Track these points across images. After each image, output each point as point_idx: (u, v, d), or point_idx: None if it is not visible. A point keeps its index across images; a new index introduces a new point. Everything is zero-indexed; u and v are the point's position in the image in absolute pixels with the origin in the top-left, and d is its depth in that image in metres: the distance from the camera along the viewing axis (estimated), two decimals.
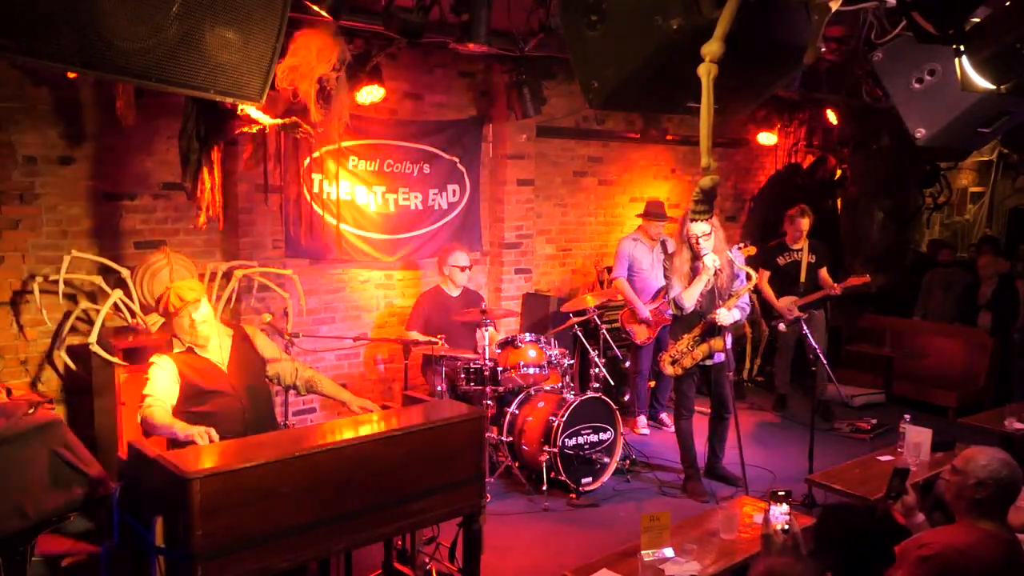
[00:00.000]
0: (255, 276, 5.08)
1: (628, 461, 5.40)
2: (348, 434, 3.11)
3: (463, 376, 5.15)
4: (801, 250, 6.55)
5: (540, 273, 7.03)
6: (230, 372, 3.51)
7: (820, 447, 5.08)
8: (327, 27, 3.93)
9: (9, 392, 4.01)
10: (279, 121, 4.23)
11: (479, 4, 4.09)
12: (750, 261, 5.19)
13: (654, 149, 7.69)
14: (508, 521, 4.67)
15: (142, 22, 2.30)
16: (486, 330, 5.21)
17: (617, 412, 5.21)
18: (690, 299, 4.80)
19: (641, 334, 6.08)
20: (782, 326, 5.93)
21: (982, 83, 2.44)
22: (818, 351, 5.21)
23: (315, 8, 3.65)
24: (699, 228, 4.73)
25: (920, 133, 3.11)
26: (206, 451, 2.96)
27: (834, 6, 2.12)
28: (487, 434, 4.19)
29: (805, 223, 6.48)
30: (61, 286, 4.40)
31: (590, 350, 5.52)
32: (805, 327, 5.24)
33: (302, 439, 3.17)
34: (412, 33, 4.08)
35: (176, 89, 2.51)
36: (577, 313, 5.72)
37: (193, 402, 3.37)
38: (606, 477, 5.14)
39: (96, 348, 4.25)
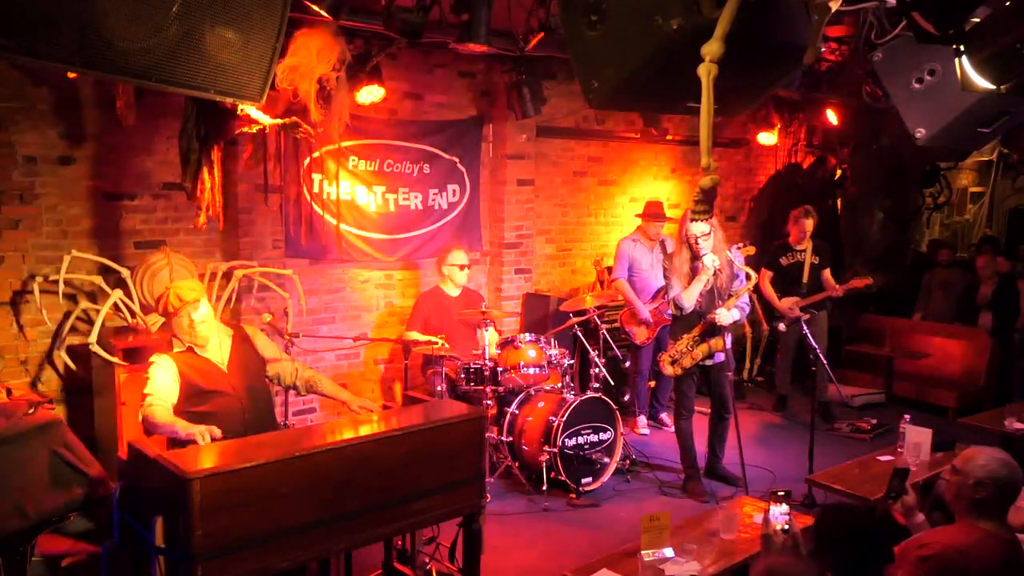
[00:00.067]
0: (255, 276, 5.07)
1: (628, 461, 5.40)
2: (348, 434, 3.11)
3: (463, 376, 5.15)
4: (804, 251, 6.56)
5: (540, 273, 7.03)
6: (230, 372, 3.51)
7: (820, 447, 5.08)
8: (327, 27, 3.93)
9: (9, 392, 4.01)
10: (279, 121, 4.23)
11: (479, 4, 4.09)
12: (749, 261, 5.19)
13: (654, 149, 7.69)
14: (508, 521, 4.67)
15: (142, 22, 2.30)
16: (486, 330, 5.21)
17: (617, 412, 5.21)
18: (689, 299, 4.80)
19: (641, 334, 6.08)
20: (782, 326, 5.93)
21: (982, 83, 2.44)
22: (818, 351, 5.21)
23: (315, 8, 3.66)
24: (698, 228, 4.73)
25: (920, 133, 3.11)
26: (206, 451, 2.96)
27: (834, 6, 2.12)
28: (487, 434, 4.19)
29: (809, 224, 6.48)
30: (61, 286, 4.40)
31: (590, 350, 5.52)
32: (805, 327, 5.24)
33: (302, 439, 3.17)
34: (412, 33, 4.08)
35: (176, 89, 2.51)
36: (577, 313, 5.72)
37: (193, 402, 3.37)
38: (606, 477, 5.14)
39: (96, 348, 4.25)
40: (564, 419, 4.87)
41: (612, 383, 5.61)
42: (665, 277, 5.04)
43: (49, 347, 4.66)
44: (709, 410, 5.25)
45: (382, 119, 5.83)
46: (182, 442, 3.13)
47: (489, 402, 5.04)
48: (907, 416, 4.65)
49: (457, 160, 6.34)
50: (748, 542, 3.35)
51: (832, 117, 7.41)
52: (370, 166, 5.85)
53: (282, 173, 5.34)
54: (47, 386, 4.68)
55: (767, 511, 2.91)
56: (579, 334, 5.68)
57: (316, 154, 5.49)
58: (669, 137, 7.57)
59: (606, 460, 5.13)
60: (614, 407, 5.20)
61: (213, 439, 3.07)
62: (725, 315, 4.79)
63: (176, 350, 3.48)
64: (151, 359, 3.44)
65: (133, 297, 4.51)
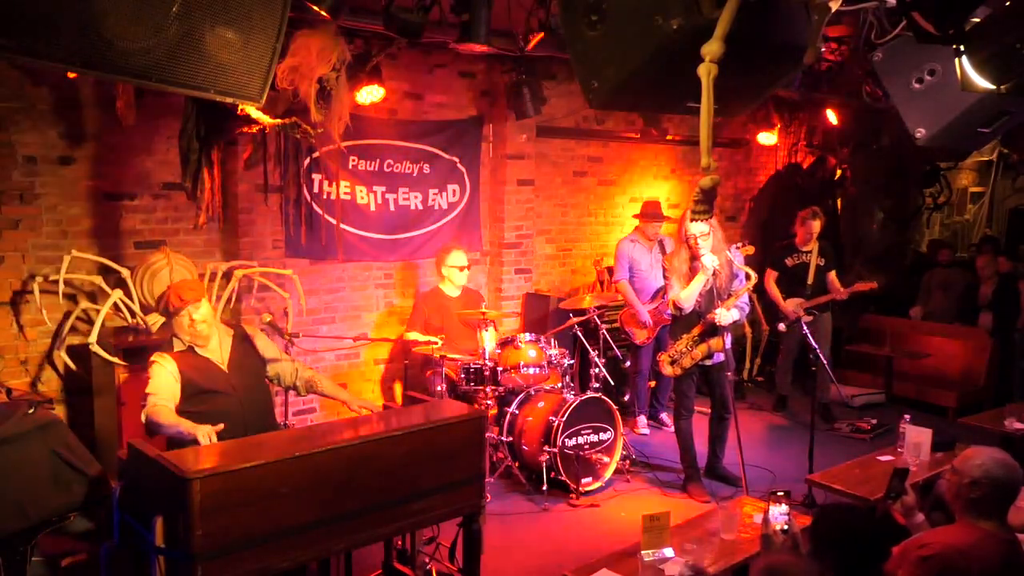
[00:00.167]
0: (255, 276, 5.08)
1: (628, 461, 5.40)
2: (348, 434, 3.11)
3: (463, 376, 5.15)
4: (810, 252, 6.57)
5: (540, 273, 7.03)
6: (230, 372, 3.51)
7: (820, 447, 5.08)
8: (327, 27, 3.93)
9: (9, 392, 4.02)
10: (279, 121, 4.22)
11: (479, 4, 4.09)
12: (749, 261, 5.19)
13: (654, 149, 7.69)
14: (508, 521, 4.67)
15: (142, 22, 2.30)
16: (486, 330, 5.21)
17: (617, 412, 5.21)
18: (689, 299, 4.80)
19: (641, 334, 6.08)
20: (782, 326, 5.93)
21: (982, 83, 2.44)
22: (818, 352, 5.21)
23: (315, 8, 3.65)
24: (697, 228, 4.73)
25: (920, 133, 3.11)
26: (206, 451, 2.96)
27: (834, 6, 2.13)
28: (487, 434, 4.19)
29: (816, 225, 6.49)
30: (61, 286, 4.40)
31: (590, 350, 5.52)
32: (805, 328, 5.24)
33: (302, 439, 3.17)
34: (412, 33, 4.08)
35: (176, 89, 2.51)
36: (577, 313, 5.72)
37: (193, 401, 3.37)
38: (606, 477, 5.14)
39: (96, 348, 4.25)
40: (564, 419, 4.87)
41: (612, 383, 5.61)
42: (664, 277, 5.04)
43: (49, 347, 4.66)
44: (709, 410, 5.25)
45: (382, 119, 5.83)
46: (182, 442, 3.14)
47: (489, 402, 5.04)
48: (907, 416, 4.65)
49: (457, 160, 6.34)
50: (748, 542, 3.35)
51: (832, 117, 7.41)
52: (370, 166, 5.85)
53: (282, 173, 5.35)
54: (47, 386, 4.69)
55: (767, 511, 2.91)
56: (579, 334, 5.68)
57: (316, 154, 5.49)
58: (669, 137, 7.57)
59: (606, 460, 5.13)
60: (614, 407, 5.20)
61: (210, 440, 3.07)
62: (724, 315, 4.79)
63: (176, 350, 3.48)
64: (152, 358, 3.44)
65: (133, 297, 4.51)
